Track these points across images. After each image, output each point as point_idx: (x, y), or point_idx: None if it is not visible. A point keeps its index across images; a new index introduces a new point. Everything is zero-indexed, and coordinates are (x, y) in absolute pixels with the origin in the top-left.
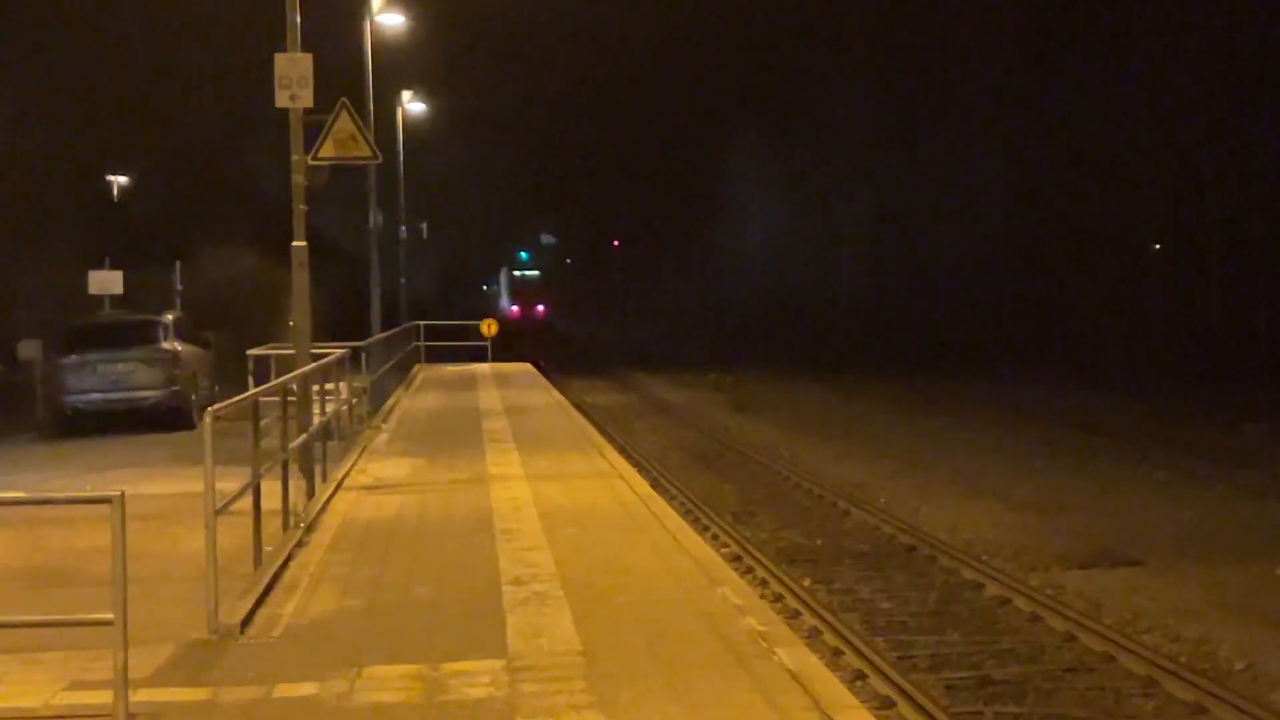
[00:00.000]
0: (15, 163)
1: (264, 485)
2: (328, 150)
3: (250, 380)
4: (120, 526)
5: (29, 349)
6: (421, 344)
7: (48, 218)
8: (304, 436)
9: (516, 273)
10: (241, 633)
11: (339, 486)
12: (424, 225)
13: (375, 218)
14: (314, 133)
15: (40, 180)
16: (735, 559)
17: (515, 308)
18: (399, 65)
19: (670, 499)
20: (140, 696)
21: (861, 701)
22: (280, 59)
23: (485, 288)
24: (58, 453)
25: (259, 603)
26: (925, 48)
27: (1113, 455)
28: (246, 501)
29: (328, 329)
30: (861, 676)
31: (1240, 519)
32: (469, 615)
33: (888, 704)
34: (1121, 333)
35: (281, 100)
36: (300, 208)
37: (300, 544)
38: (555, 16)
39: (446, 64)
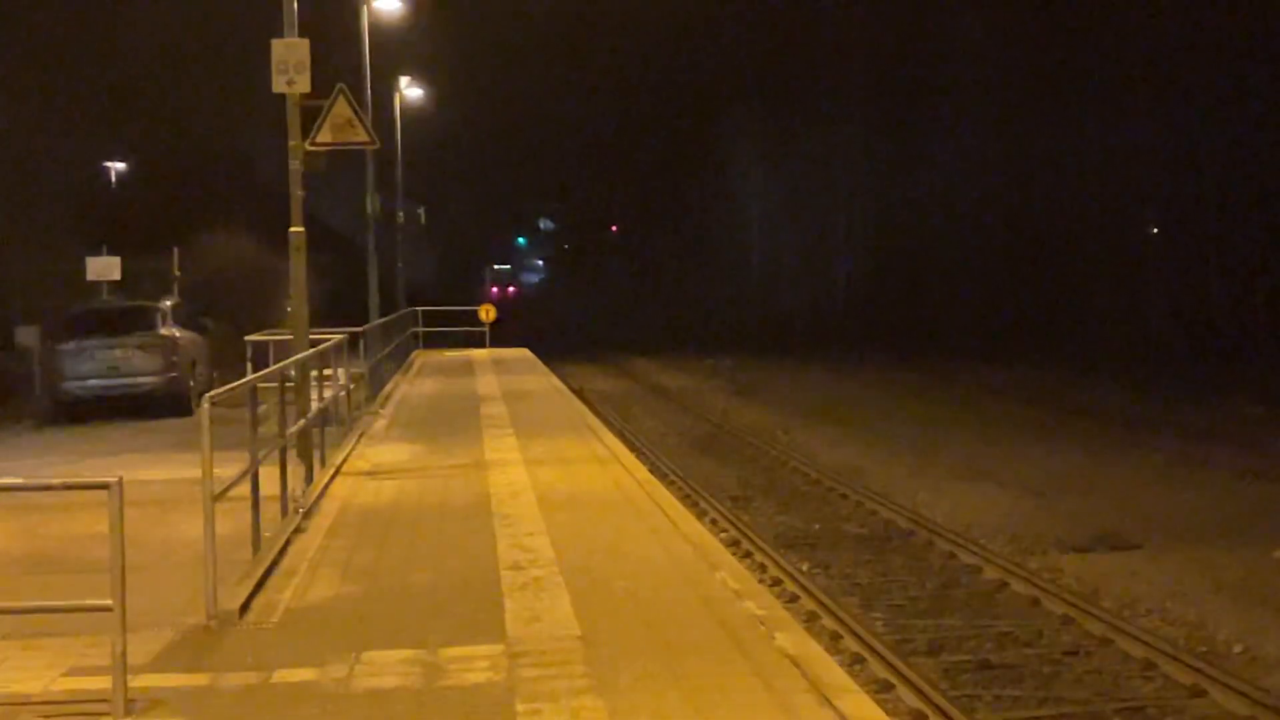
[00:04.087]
0: (13, 149)
1: (262, 471)
2: (325, 135)
3: (248, 366)
4: (118, 512)
5: (26, 335)
6: (420, 329)
7: (45, 204)
8: (302, 422)
9: (495, 266)
10: (240, 618)
11: (337, 472)
12: (421, 211)
13: (373, 203)
14: (311, 118)
15: (38, 166)
16: (733, 543)
17: (495, 289)
18: (397, 51)
19: (668, 484)
20: (139, 682)
21: (860, 685)
22: (277, 44)
23: (485, 275)
24: (55, 439)
25: (257, 588)
26: (925, 33)
27: (1110, 439)
28: (245, 487)
29: (326, 314)
30: (860, 660)
31: (1238, 502)
32: (467, 600)
33: (886, 687)
34: (1119, 316)
35: (278, 85)
36: (298, 193)
37: (299, 529)
38: (559, 4)
39: (445, 49)
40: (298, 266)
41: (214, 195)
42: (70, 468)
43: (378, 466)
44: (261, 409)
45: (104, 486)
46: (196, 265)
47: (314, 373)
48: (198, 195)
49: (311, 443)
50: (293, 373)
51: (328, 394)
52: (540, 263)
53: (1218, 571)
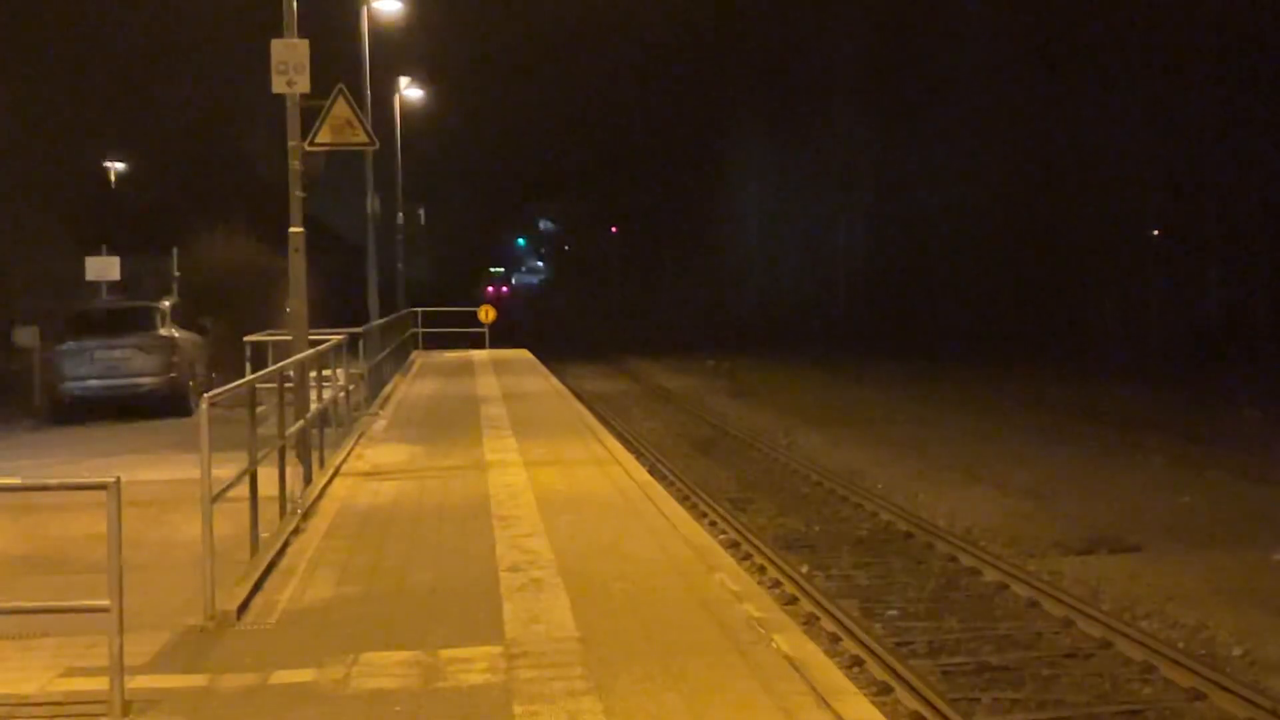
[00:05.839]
0: (12, 149)
1: (261, 472)
2: (324, 136)
3: (248, 366)
4: (116, 513)
5: (26, 336)
6: (419, 330)
7: (45, 204)
8: (301, 423)
9: (491, 269)
10: (238, 619)
11: (336, 473)
12: (421, 211)
13: (372, 203)
14: (311, 118)
15: (37, 167)
16: (733, 545)
17: (490, 289)
18: (397, 51)
19: (668, 485)
20: (136, 683)
21: (859, 688)
22: (277, 44)
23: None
24: (55, 439)
25: (255, 589)
26: (927, 36)
27: (1110, 441)
28: (243, 488)
29: (325, 315)
30: (859, 662)
31: (1238, 504)
32: (466, 601)
33: (885, 690)
34: (1120, 319)
35: (278, 86)
36: (297, 194)
37: (297, 530)
38: (558, 4)
39: (446, 50)
40: (297, 267)
41: (213, 195)
42: (69, 468)
43: (377, 467)
44: (260, 409)
45: (102, 487)
46: (196, 265)
47: (313, 373)
48: (197, 195)
49: (310, 443)
50: (292, 373)
51: (327, 395)
52: (540, 264)
53: (1218, 574)
